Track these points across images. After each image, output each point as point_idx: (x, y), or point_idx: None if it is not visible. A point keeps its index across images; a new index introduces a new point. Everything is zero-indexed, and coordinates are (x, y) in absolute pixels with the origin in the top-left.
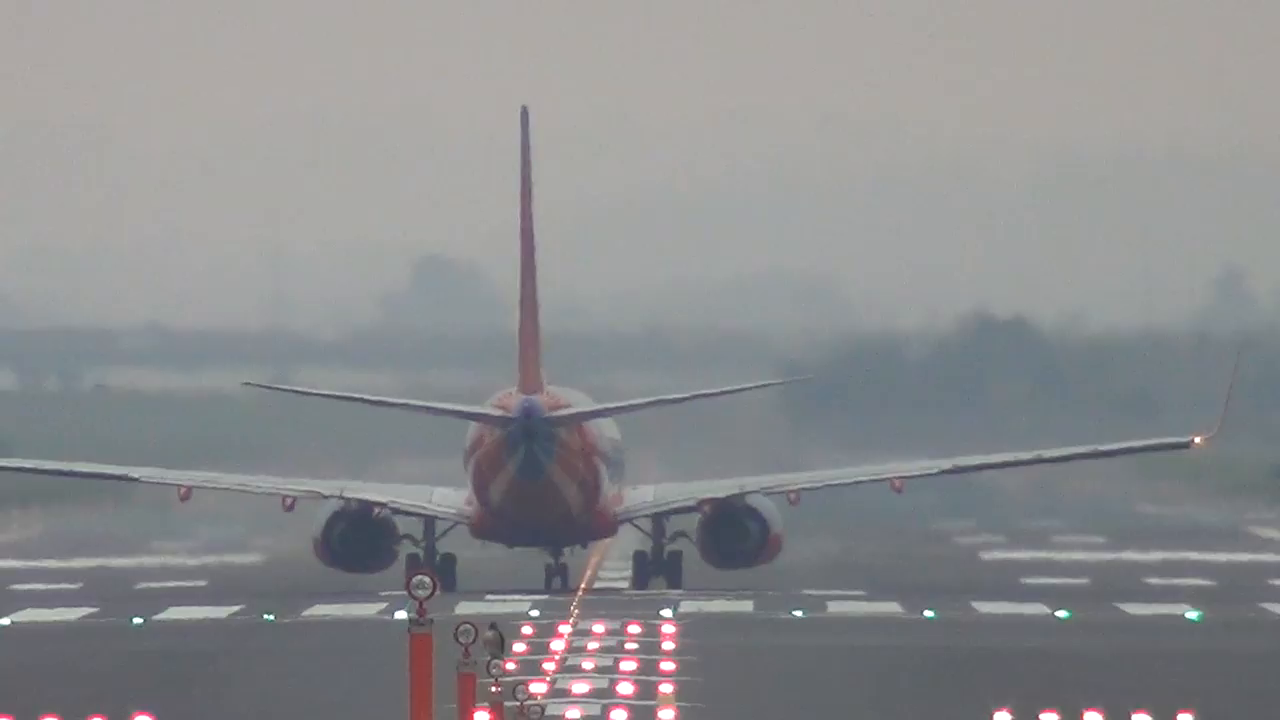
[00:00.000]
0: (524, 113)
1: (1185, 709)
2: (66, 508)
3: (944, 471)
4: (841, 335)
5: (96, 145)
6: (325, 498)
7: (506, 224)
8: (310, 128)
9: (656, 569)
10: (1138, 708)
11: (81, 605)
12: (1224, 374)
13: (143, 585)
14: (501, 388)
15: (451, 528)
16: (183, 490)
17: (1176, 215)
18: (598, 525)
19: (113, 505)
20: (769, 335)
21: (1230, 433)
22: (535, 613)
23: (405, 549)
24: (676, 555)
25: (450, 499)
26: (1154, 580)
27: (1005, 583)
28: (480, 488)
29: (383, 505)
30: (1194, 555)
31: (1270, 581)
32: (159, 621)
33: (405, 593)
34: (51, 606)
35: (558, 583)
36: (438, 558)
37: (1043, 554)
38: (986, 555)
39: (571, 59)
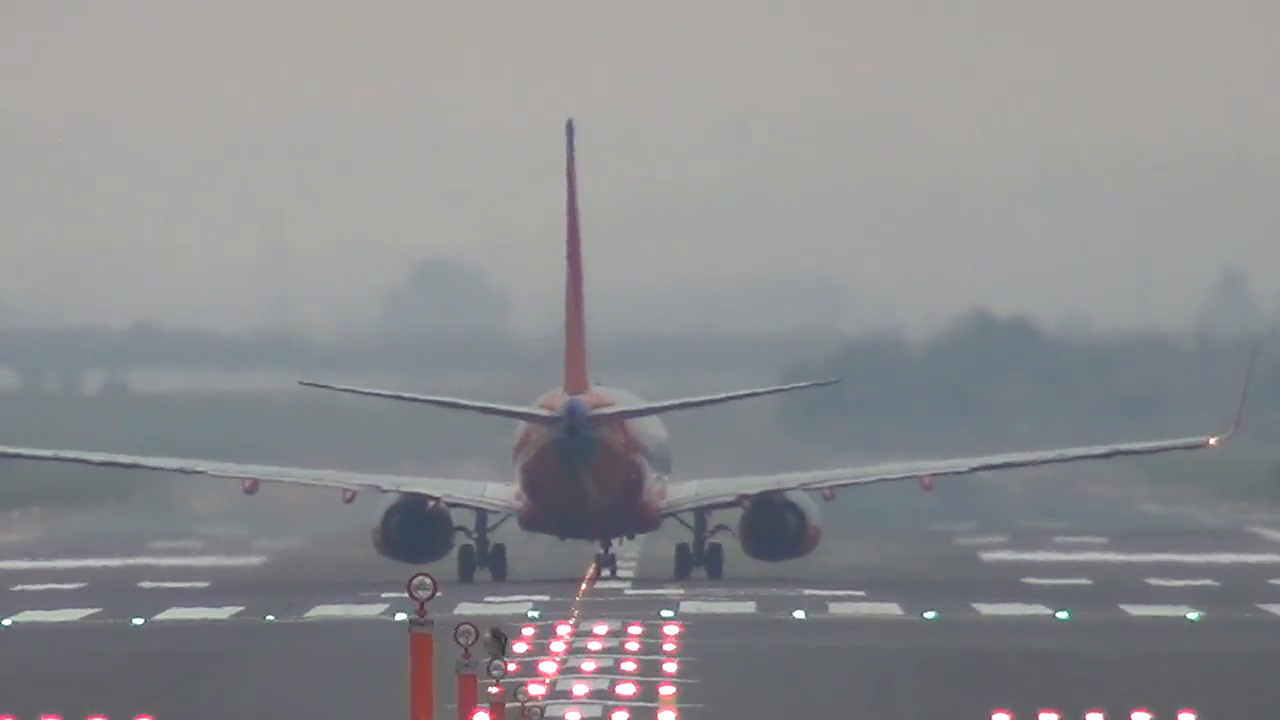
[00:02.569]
0: (569, 126)
1: (1186, 709)
2: (67, 508)
3: (973, 469)
4: (842, 336)
5: (96, 145)
6: (384, 492)
7: (507, 225)
8: (310, 128)
9: (698, 561)
10: (1138, 708)
11: (82, 606)
12: (1225, 375)
13: (144, 585)
14: (503, 388)
15: (502, 520)
16: (247, 484)
17: (1177, 216)
18: (642, 519)
19: (113, 505)
20: (769, 336)
21: (1234, 435)
22: (535, 614)
23: (460, 540)
24: (717, 547)
25: (501, 493)
26: (1155, 581)
27: (1006, 583)
28: (528, 483)
29: (437, 499)
30: (1195, 556)
31: (1271, 582)
32: (160, 622)
33: (459, 581)
34: (53, 607)
35: (607, 572)
36: (489, 548)
37: (1044, 554)
38: (987, 556)
39: (570, 60)
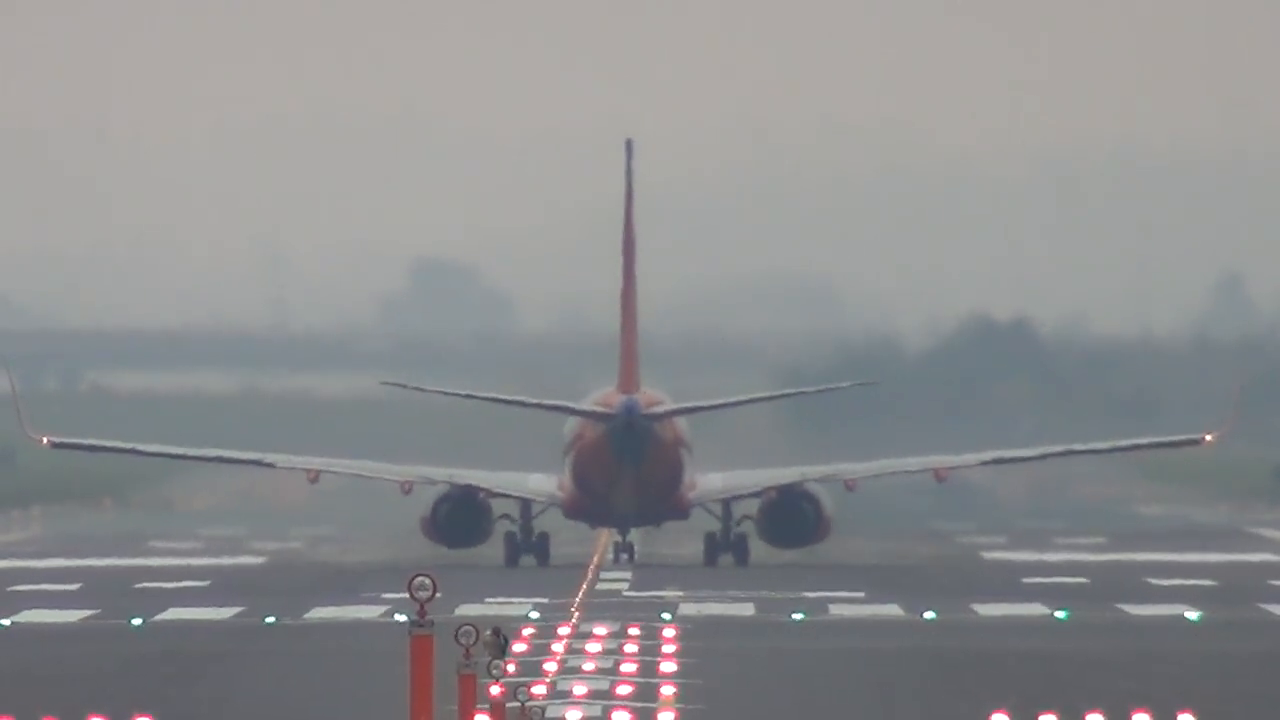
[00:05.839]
0: (629, 145)
1: (1185, 709)
2: (66, 508)
3: (984, 463)
4: (841, 338)
5: (96, 145)
6: (434, 483)
7: (505, 226)
8: (310, 128)
9: (725, 548)
10: (1138, 708)
11: (81, 606)
12: (1223, 377)
13: (143, 585)
14: (501, 388)
15: (544, 509)
16: (311, 474)
17: (1176, 219)
18: (676, 508)
19: (112, 505)
20: (769, 338)
21: (1231, 434)
22: (535, 614)
23: (504, 528)
24: (742, 536)
25: (544, 484)
26: (1154, 581)
27: (1005, 583)
28: (581, 477)
29: (486, 490)
30: (1194, 556)
31: (1270, 582)
32: (159, 622)
33: (505, 565)
34: (51, 607)
35: (624, 558)
36: (534, 536)
37: (1043, 554)
38: (987, 556)
39: (568, 61)
